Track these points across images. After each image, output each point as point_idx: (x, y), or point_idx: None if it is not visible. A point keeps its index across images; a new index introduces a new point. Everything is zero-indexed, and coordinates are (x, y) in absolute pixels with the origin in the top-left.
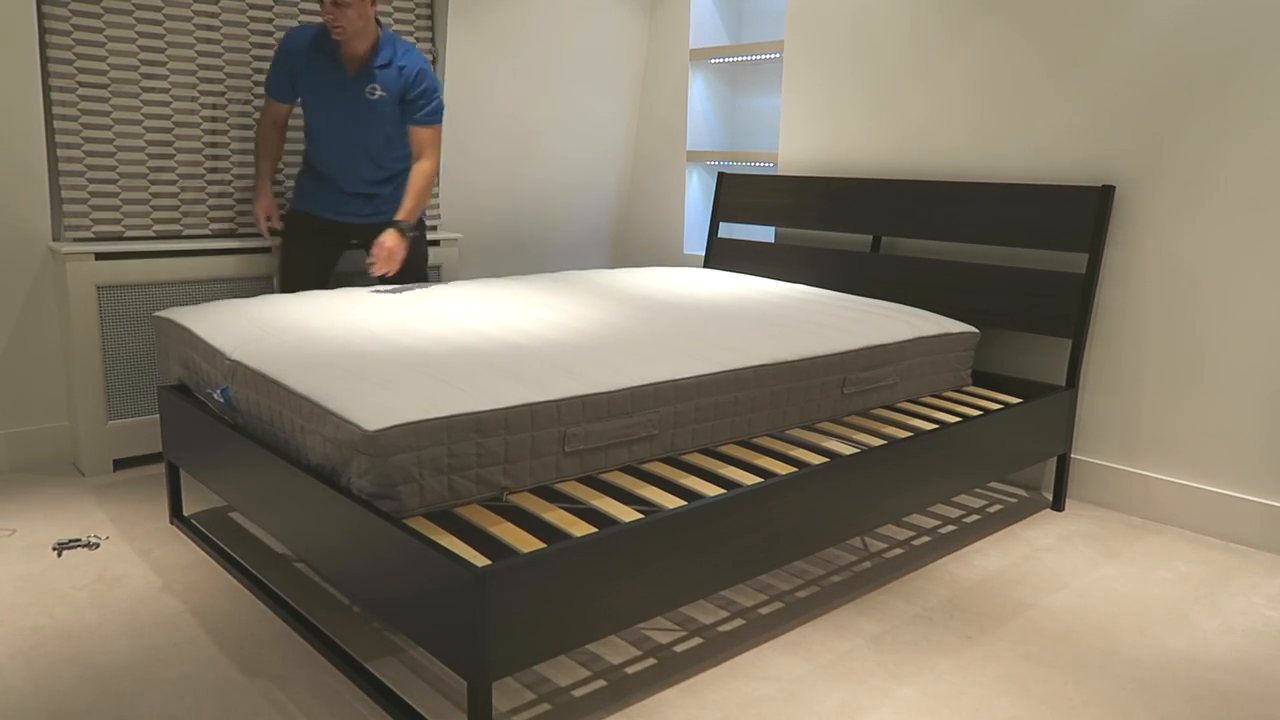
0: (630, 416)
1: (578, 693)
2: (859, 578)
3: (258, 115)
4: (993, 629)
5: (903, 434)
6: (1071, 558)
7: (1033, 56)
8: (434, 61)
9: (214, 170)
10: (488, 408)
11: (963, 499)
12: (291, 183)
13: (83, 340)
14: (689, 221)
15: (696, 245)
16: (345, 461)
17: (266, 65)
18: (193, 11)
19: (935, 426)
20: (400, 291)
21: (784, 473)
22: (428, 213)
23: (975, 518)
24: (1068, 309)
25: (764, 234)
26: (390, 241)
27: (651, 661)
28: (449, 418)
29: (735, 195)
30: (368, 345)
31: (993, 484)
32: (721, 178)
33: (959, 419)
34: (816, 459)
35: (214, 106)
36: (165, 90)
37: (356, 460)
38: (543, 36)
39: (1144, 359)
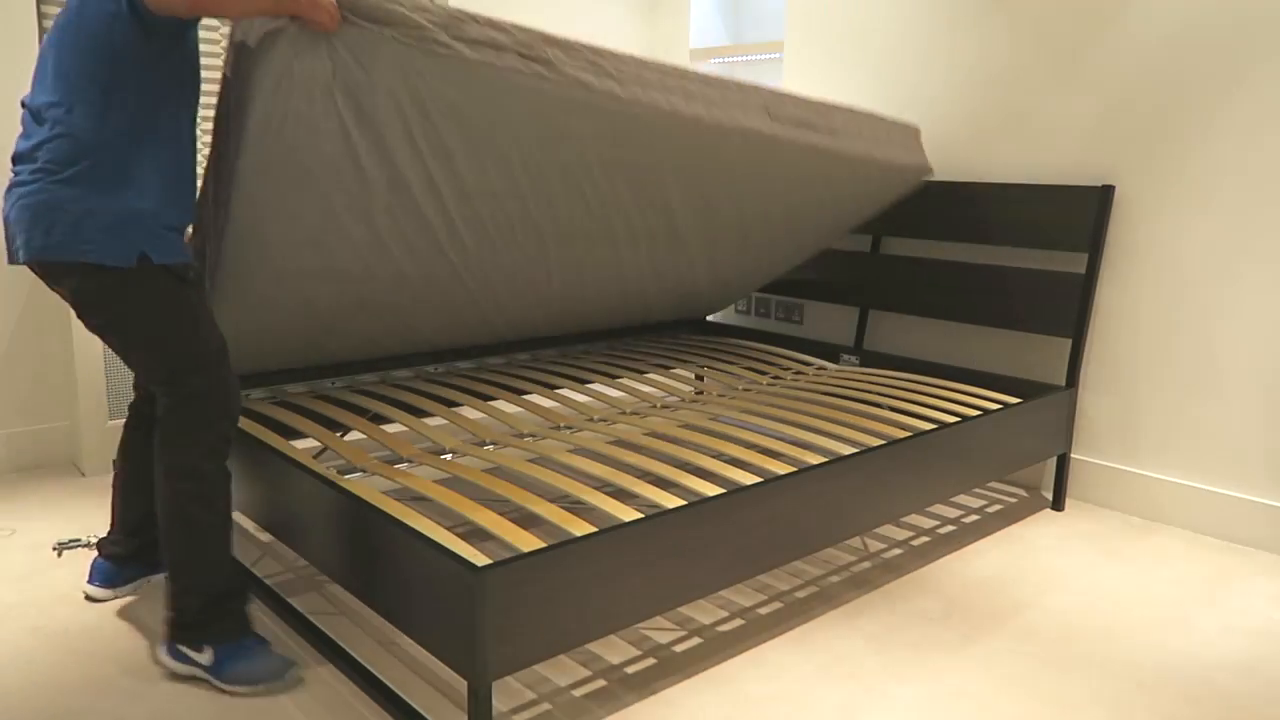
0: None
1: (578, 693)
2: (859, 578)
3: None
4: (993, 629)
5: (903, 434)
6: (1071, 558)
7: (1033, 56)
8: None
9: None
10: None
11: (963, 499)
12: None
13: (83, 340)
14: None
15: None
16: None
17: None
18: None
19: (935, 426)
20: None
21: (784, 473)
22: None
23: (975, 518)
24: (1068, 309)
25: None
26: None
27: (651, 661)
28: None
29: None
30: None
31: (993, 484)
32: None
33: (959, 419)
34: (816, 459)
35: (215, 107)
36: None
37: None
38: None
39: (1144, 359)
